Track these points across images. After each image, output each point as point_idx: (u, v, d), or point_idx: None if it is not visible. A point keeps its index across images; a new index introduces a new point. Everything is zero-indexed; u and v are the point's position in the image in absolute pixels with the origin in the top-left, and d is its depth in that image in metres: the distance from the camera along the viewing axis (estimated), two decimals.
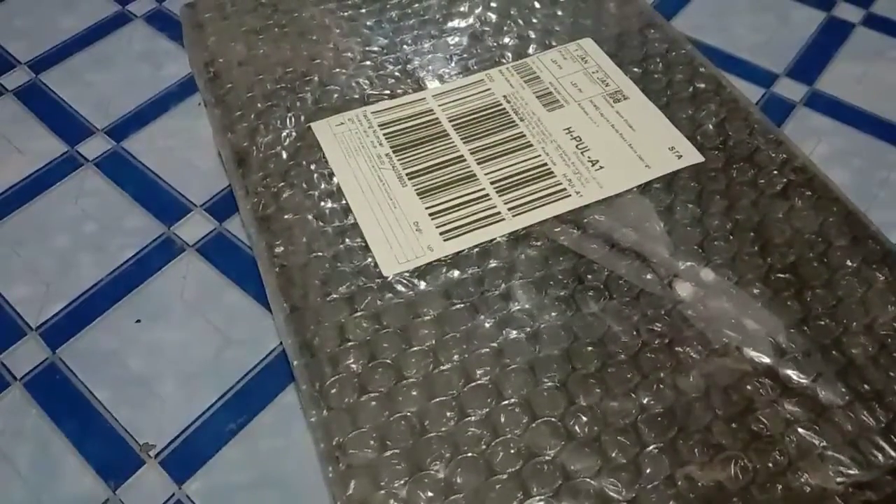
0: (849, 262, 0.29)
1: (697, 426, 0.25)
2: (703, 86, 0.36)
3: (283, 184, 0.32)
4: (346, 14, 0.40)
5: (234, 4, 0.40)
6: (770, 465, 0.24)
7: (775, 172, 0.32)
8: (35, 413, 0.33)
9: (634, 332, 0.28)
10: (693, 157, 0.33)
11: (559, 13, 0.39)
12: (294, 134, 0.34)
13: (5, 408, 0.34)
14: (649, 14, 0.39)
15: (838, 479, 0.24)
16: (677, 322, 0.28)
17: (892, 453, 0.24)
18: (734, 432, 0.25)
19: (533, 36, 0.38)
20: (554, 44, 0.38)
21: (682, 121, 0.34)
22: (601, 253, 0.30)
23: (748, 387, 0.26)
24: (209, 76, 0.37)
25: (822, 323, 0.28)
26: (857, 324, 0.27)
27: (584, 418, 0.25)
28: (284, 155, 0.33)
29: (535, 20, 0.39)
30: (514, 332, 0.28)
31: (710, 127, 0.34)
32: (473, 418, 0.26)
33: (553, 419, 0.25)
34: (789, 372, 0.26)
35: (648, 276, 0.29)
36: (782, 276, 0.29)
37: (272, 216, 0.31)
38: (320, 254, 0.30)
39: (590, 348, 0.27)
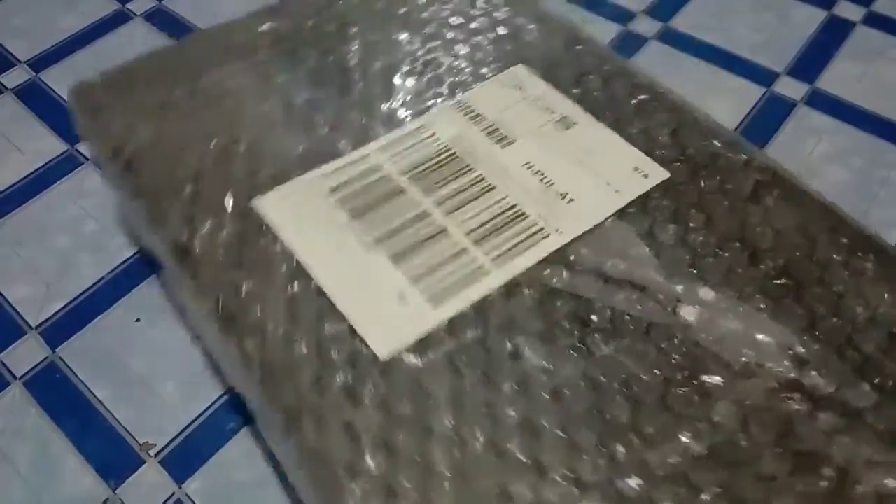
0: (835, 256, 0.29)
1: (745, 458, 0.24)
2: (644, 97, 0.35)
3: (239, 273, 0.29)
4: (257, 71, 0.36)
5: (130, 80, 0.36)
6: (824, 483, 0.24)
7: (741, 175, 0.32)
8: (35, 412, 0.33)
9: (656, 371, 0.26)
10: (658, 174, 0.32)
11: (482, 42, 0.38)
12: (238, 214, 0.31)
13: (5, 407, 0.34)
14: (571, 29, 0.38)
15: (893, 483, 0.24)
16: (692, 350, 0.27)
17: None
18: (781, 458, 0.24)
19: (464, 69, 0.36)
20: (485, 73, 0.36)
21: (635, 137, 0.34)
22: (597, 289, 0.28)
23: (781, 405, 0.25)
24: (123, 165, 0.33)
25: (830, 323, 0.27)
26: (862, 317, 0.27)
27: (634, 477, 0.24)
28: (232, 240, 0.30)
29: (460, 53, 0.37)
30: (535, 393, 0.26)
31: (666, 138, 0.33)
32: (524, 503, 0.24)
33: (603, 484, 0.24)
34: (814, 381, 0.26)
35: (651, 306, 0.28)
36: (779, 281, 0.29)
37: (237, 312, 0.28)
38: (304, 347, 0.27)
39: (617, 397, 0.26)
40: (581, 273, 0.29)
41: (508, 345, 0.27)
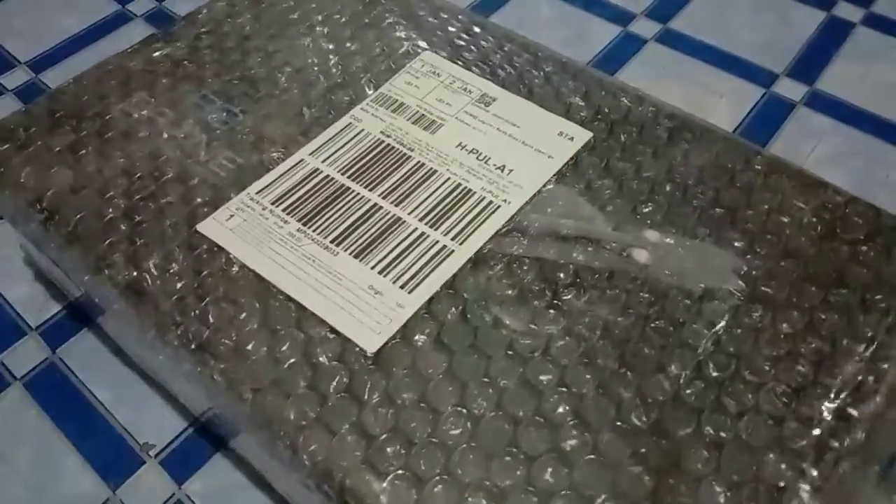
0: (755, 180, 0.32)
1: (728, 376, 0.26)
2: (550, 68, 0.37)
3: (203, 303, 0.28)
4: (162, 99, 0.35)
5: (28, 127, 0.34)
6: (800, 375, 0.26)
7: (654, 124, 0.34)
8: (35, 413, 0.33)
9: (629, 311, 0.28)
10: (582, 135, 0.34)
11: (384, 35, 0.38)
12: (183, 244, 0.30)
13: (5, 408, 0.34)
14: (468, 14, 0.39)
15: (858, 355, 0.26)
16: (655, 287, 0.29)
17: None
18: (761, 367, 0.26)
19: (373, 63, 0.37)
20: (394, 65, 0.37)
21: (552, 104, 0.35)
22: (556, 250, 0.30)
23: (745, 319, 0.28)
24: (44, 217, 0.31)
25: (766, 239, 0.30)
26: (792, 228, 0.30)
27: (640, 409, 0.25)
28: (186, 270, 0.29)
29: (365, 49, 0.37)
30: (528, 356, 0.27)
31: (580, 102, 0.35)
32: (542, 458, 0.24)
33: (617, 423, 0.25)
34: (767, 291, 0.28)
35: (607, 255, 0.30)
36: (713, 212, 0.31)
37: (210, 341, 0.27)
38: (291, 360, 0.27)
39: (601, 342, 0.27)
40: (537, 237, 0.30)
41: (487, 316, 0.28)
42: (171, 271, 0.29)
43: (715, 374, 0.26)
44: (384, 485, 0.24)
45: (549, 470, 0.24)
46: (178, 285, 0.28)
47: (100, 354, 0.35)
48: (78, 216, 0.30)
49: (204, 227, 0.30)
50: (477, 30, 0.39)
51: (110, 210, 0.31)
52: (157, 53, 0.37)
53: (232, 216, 0.31)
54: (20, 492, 0.31)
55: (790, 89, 0.43)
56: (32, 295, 0.37)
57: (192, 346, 0.27)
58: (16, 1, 0.51)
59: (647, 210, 0.31)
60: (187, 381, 0.28)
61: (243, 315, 0.28)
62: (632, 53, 0.48)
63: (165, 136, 0.34)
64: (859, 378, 0.26)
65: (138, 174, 0.32)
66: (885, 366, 0.27)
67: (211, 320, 0.28)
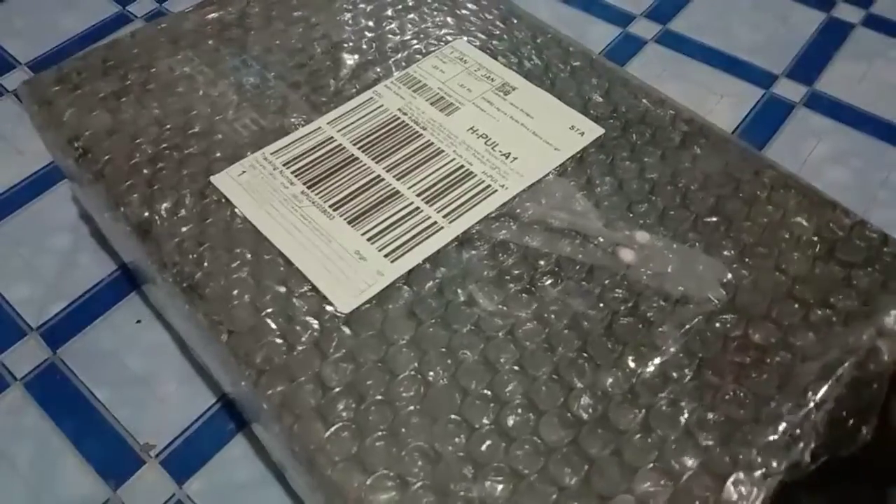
0: (759, 193, 0.32)
1: (689, 373, 0.26)
2: (577, 63, 0.37)
3: (201, 247, 0.30)
4: (205, 59, 0.37)
5: (81, 72, 0.37)
6: (763, 390, 0.26)
7: (669, 128, 0.34)
8: (35, 413, 0.33)
9: (601, 305, 0.28)
10: (594, 131, 0.34)
11: (422, 18, 0.39)
12: (196, 192, 0.32)
13: (5, 408, 0.34)
14: (508, 4, 0.40)
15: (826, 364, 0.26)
16: (633, 286, 0.29)
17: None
18: (723, 369, 0.26)
19: (406, 45, 0.38)
20: (427, 48, 0.38)
21: (571, 99, 0.36)
22: (542, 239, 0.30)
23: (717, 325, 0.28)
24: (78, 154, 0.33)
25: (758, 251, 0.30)
26: (787, 244, 0.30)
27: (588, 400, 0.26)
28: (192, 216, 0.31)
29: (402, 30, 0.39)
30: (492, 335, 0.27)
31: (599, 98, 0.35)
32: (483, 430, 0.25)
33: (558, 409, 0.26)
34: (747, 302, 0.28)
35: (592, 250, 0.30)
36: (709, 220, 0.31)
37: (200, 283, 0.29)
38: (269, 309, 0.28)
39: (566, 331, 0.28)
40: (527, 224, 0.31)
41: (463, 293, 0.29)
42: (179, 216, 0.31)
43: (674, 374, 0.26)
44: (328, 434, 0.25)
45: (488, 442, 0.25)
46: (183, 229, 0.31)
47: (100, 355, 0.35)
48: (107, 157, 0.33)
49: (216, 179, 0.32)
50: (514, 20, 0.39)
51: (137, 154, 0.33)
52: (209, 16, 0.40)
53: (244, 172, 0.33)
54: (20, 492, 0.32)
55: (790, 90, 0.43)
56: (33, 296, 0.37)
57: (184, 285, 0.29)
58: (16, 1, 0.51)
59: (642, 210, 0.31)
60: (181, 319, 0.31)
61: (235, 264, 0.30)
62: (631, 54, 0.48)
63: (201, 93, 0.36)
64: (821, 396, 0.26)
65: (168, 125, 0.34)
66: (855, 389, 0.26)
67: (205, 265, 0.30)
